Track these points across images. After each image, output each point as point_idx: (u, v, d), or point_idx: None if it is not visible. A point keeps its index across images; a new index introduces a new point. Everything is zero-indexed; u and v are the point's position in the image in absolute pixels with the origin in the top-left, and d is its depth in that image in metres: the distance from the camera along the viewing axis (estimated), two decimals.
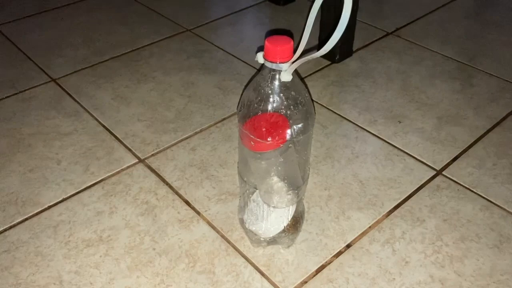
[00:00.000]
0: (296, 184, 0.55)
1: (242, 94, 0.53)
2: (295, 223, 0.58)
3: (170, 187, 0.67)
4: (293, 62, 0.46)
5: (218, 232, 0.61)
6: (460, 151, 0.73)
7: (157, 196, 0.66)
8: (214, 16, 1.10)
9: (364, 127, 0.78)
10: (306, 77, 0.90)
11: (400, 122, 0.79)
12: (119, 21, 1.08)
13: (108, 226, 0.62)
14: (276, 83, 0.47)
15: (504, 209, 0.64)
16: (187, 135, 0.77)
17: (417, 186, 0.68)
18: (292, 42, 0.46)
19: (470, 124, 0.79)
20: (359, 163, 0.71)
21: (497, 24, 1.06)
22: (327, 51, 0.41)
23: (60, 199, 0.66)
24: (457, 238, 0.60)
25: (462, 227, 0.62)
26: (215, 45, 0.99)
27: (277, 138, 0.49)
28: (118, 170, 0.70)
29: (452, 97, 0.85)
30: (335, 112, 0.81)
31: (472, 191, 0.67)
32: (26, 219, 0.63)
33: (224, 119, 0.80)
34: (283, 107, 0.48)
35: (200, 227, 0.62)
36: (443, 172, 0.70)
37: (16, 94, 0.85)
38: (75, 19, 1.09)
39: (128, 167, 0.71)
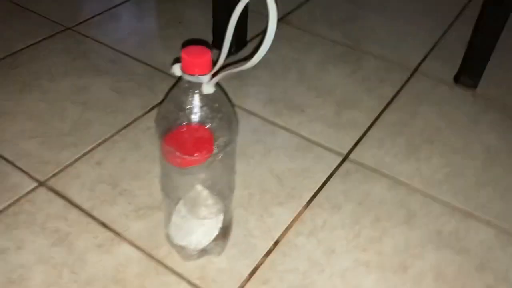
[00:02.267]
0: (223, 193, 0.54)
1: (160, 108, 0.50)
2: (225, 231, 0.57)
3: (81, 209, 0.62)
4: (214, 74, 0.44)
5: (143, 251, 0.58)
6: (361, 134, 0.78)
7: (67, 222, 0.61)
8: (96, 11, 1.02)
9: (271, 120, 0.79)
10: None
11: (303, 111, 0.81)
12: None
13: (17, 264, 0.56)
14: (197, 95, 0.45)
15: (408, 185, 0.70)
16: (89, 148, 0.71)
17: (329, 174, 0.71)
18: (210, 53, 0.44)
19: (365, 106, 0.84)
20: (273, 157, 0.72)
21: (376, 7, 1.13)
22: (254, 63, 0.40)
23: None
24: (373, 219, 0.65)
25: (375, 208, 0.66)
26: (102, 43, 0.93)
27: (204, 152, 0.47)
28: (17, 198, 0.63)
29: (345, 81, 0.89)
30: (241, 107, 0.81)
31: (378, 172, 0.72)
32: None
33: (127, 125, 0.75)
34: (207, 120, 0.47)
35: (122, 249, 0.58)
36: (350, 157, 0.74)
37: None
38: None
39: (28, 192, 0.64)
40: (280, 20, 1.05)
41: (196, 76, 0.44)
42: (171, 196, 0.53)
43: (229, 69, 0.43)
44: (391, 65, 0.94)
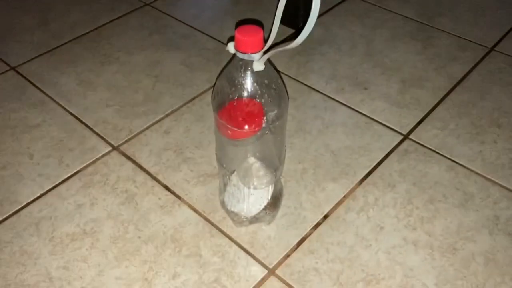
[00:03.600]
0: (273, 166, 0.57)
1: (215, 83, 0.54)
2: (275, 201, 0.60)
3: (148, 173, 0.68)
4: (264, 52, 0.46)
5: (200, 214, 0.63)
6: (424, 114, 0.77)
7: (135, 184, 0.67)
8: None
9: (332, 96, 0.80)
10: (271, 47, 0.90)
11: (366, 89, 0.81)
12: None
13: (90, 218, 0.63)
14: (249, 72, 0.48)
15: (467, 168, 0.68)
16: (158, 118, 0.77)
17: (386, 152, 0.71)
18: (262, 32, 0.46)
19: (432, 85, 0.81)
20: (330, 133, 0.74)
21: None
22: (299, 43, 0.42)
23: (38, 195, 0.66)
24: (426, 200, 0.64)
25: (430, 189, 0.66)
26: (176, 19, 0.98)
27: (253, 126, 0.50)
28: (93, 159, 0.70)
29: (414, 59, 0.87)
30: (303, 83, 0.82)
31: (437, 152, 0.70)
32: (5, 219, 0.63)
33: (194, 98, 0.80)
34: (257, 95, 0.49)
35: (182, 211, 0.63)
36: (410, 136, 0.73)
37: None
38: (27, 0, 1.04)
39: (103, 155, 0.71)
40: None
41: (248, 54, 0.46)
42: (225, 166, 0.56)
43: (276, 48, 0.45)
44: (466, 43, 0.90)
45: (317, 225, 0.62)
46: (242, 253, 0.59)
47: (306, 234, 0.61)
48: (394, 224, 0.62)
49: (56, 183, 0.67)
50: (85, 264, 0.58)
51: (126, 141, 0.73)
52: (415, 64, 0.86)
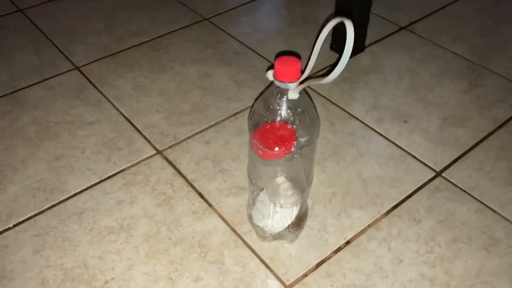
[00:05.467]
0: (301, 187, 0.60)
1: (253, 105, 0.58)
2: (299, 221, 0.63)
3: (186, 179, 0.73)
4: (300, 83, 0.50)
5: (228, 224, 0.67)
6: (461, 153, 0.77)
7: (173, 188, 0.71)
8: (231, 5, 1.12)
9: (371, 126, 0.82)
10: (317, 72, 0.93)
11: (405, 122, 0.82)
12: (139, 7, 1.12)
13: (128, 215, 0.68)
14: (284, 99, 0.51)
15: (497, 213, 0.68)
16: (202, 128, 0.81)
17: (417, 187, 0.72)
18: (299, 64, 0.49)
19: (473, 125, 0.82)
20: (364, 161, 0.76)
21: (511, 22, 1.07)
22: (331, 80, 0.45)
23: (85, 187, 0.72)
24: (450, 239, 0.65)
25: (455, 228, 0.66)
26: (231, 36, 1.03)
27: (283, 149, 0.53)
28: (138, 160, 0.76)
29: (458, 97, 0.87)
30: (343, 110, 0.85)
31: (468, 193, 0.71)
32: (54, 205, 0.69)
33: (237, 113, 0.84)
34: (289, 121, 0.52)
35: (212, 219, 0.67)
36: (443, 174, 0.74)
37: (42, 81, 0.90)
38: (96, 4, 1.12)
39: (147, 158, 0.76)
40: (404, 27, 1.05)
41: (284, 82, 0.50)
42: (254, 182, 0.60)
43: (310, 81, 0.48)
44: None
45: (338, 249, 0.64)
46: (262, 266, 0.62)
47: (326, 257, 0.63)
48: (413, 259, 0.63)
49: (102, 178, 0.73)
50: (118, 257, 0.63)
51: (170, 147, 0.78)
52: (459, 102, 0.86)
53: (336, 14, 0.95)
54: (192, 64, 0.95)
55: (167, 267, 0.62)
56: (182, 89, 0.89)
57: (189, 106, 0.86)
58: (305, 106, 0.53)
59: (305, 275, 0.61)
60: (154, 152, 0.77)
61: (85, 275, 0.61)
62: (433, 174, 0.74)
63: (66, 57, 0.97)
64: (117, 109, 0.85)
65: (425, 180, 0.73)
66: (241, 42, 1.01)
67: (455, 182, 0.72)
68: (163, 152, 0.77)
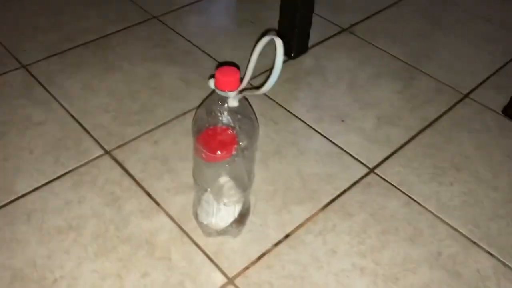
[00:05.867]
0: (243, 186, 0.64)
1: (196, 110, 0.61)
2: (242, 218, 0.67)
3: (134, 179, 0.75)
4: (240, 92, 0.54)
5: (175, 222, 0.70)
6: (392, 151, 0.84)
7: (121, 188, 0.74)
8: (181, 3, 1.14)
9: (311, 125, 0.87)
10: (264, 72, 0.97)
11: (343, 121, 0.88)
12: (87, 3, 1.12)
13: (77, 214, 0.70)
14: (225, 106, 0.55)
15: (422, 205, 0.75)
16: (150, 128, 0.84)
17: (351, 183, 0.78)
18: (238, 74, 0.53)
19: (405, 124, 0.88)
20: (303, 159, 0.81)
21: (447, 26, 1.15)
22: (264, 92, 0.49)
23: (33, 188, 0.73)
24: (379, 231, 0.71)
25: (385, 221, 0.73)
26: (180, 35, 1.05)
27: (224, 152, 0.57)
28: (86, 161, 0.77)
29: (392, 97, 0.94)
30: (286, 109, 0.90)
31: (398, 188, 0.77)
32: (1, 207, 0.70)
33: (185, 112, 0.87)
34: (230, 126, 0.56)
35: (159, 218, 0.70)
36: (375, 170, 0.80)
37: None
38: (44, 1, 1.12)
39: (95, 158, 0.78)
40: (346, 29, 1.11)
41: (225, 91, 0.53)
42: (199, 183, 0.63)
43: (246, 92, 0.53)
44: (443, 87, 0.97)
45: (278, 243, 0.69)
46: (207, 261, 0.66)
47: (266, 250, 0.68)
48: (346, 250, 0.69)
49: (51, 179, 0.74)
50: (66, 256, 0.65)
51: (118, 147, 0.80)
52: (393, 102, 0.93)
53: (281, 14, 0.99)
54: (141, 63, 0.97)
55: (116, 264, 0.65)
56: (131, 89, 0.91)
57: (137, 106, 0.88)
58: (244, 112, 0.57)
59: (247, 267, 0.66)
60: (102, 152, 0.79)
61: (34, 274, 0.63)
62: (366, 170, 0.80)
63: (12, 55, 0.96)
64: (65, 109, 0.86)
65: (359, 176, 0.79)
66: (189, 41, 1.03)
67: (386, 178, 0.79)
68: (111, 153, 0.79)
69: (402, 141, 0.85)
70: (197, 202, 0.67)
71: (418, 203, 0.75)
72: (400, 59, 1.03)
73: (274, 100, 0.91)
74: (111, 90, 0.90)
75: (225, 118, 0.56)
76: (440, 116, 0.91)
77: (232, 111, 0.56)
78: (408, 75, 0.99)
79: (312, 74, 0.98)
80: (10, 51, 0.97)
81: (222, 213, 0.65)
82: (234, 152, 0.57)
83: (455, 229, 0.72)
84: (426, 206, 0.75)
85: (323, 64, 1.01)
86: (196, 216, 0.68)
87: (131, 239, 0.68)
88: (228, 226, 0.66)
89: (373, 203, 0.75)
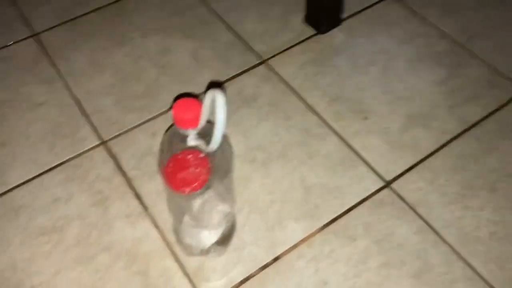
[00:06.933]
0: (223, 211, 0.58)
1: (162, 139, 0.56)
2: (225, 240, 0.62)
3: (125, 176, 0.71)
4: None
5: (160, 231, 0.66)
6: (417, 161, 0.72)
7: (110, 186, 0.70)
8: None
9: (328, 122, 0.77)
10: (285, 50, 0.86)
11: (366, 118, 0.77)
12: None
13: (62, 214, 0.68)
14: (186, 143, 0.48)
15: (439, 235, 0.65)
16: (151, 116, 0.78)
17: (361, 199, 0.69)
18: (198, 109, 0.45)
19: (438, 127, 0.76)
20: (311, 165, 0.72)
21: None
22: (213, 149, 0.41)
23: (25, 180, 0.71)
24: (382, 263, 0.63)
25: (390, 251, 0.64)
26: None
27: (193, 187, 0.50)
28: (80, 152, 0.74)
29: (431, 90, 0.81)
30: (303, 100, 0.80)
31: (413, 210, 0.68)
32: None
33: None
34: (199, 151, 0.49)
35: (144, 224, 0.67)
36: (392, 185, 0.70)
37: None
38: None
39: (90, 149, 0.74)
40: None
41: (183, 129, 0.46)
42: (174, 213, 0.58)
43: (199, 143, 0.45)
44: (496, 79, 0.81)
45: (265, 266, 0.63)
46: (185, 280, 0.62)
47: (251, 274, 0.63)
48: (339, 283, 0.62)
49: (42, 170, 0.72)
50: (46, 261, 0.64)
51: (115, 137, 0.76)
52: (430, 97, 0.80)
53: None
54: (154, 35, 0.89)
55: (93, 275, 0.63)
56: (138, 67, 0.85)
57: (141, 88, 0.82)
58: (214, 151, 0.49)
59: None
60: (99, 142, 0.75)
61: (13, 279, 0.62)
62: (381, 184, 0.70)
63: (25, 21, 0.92)
64: (69, 89, 0.82)
65: (372, 191, 0.70)
66: (210, 7, 0.93)
67: (402, 196, 0.69)
68: (108, 143, 0.75)
69: (431, 149, 0.74)
70: (176, 222, 0.62)
71: (435, 231, 0.66)
72: (450, 37, 0.87)
73: (290, 86, 0.81)
74: (118, 67, 0.85)
75: (193, 148, 0.49)
76: (485, 118, 0.77)
77: (200, 141, 0.48)
78: (456, 60, 0.84)
79: (341, 55, 0.86)
80: (24, 16, 0.93)
81: (201, 236, 0.60)
82: (205, 185, 0.51)
83: (474, 269, 0.62)
84: (444, 236, 0.65)
85: (356, 41, 0.88)
86: (176, 233, 0.64)
87: (111, 247, 0.65)
88: (210, 246, 0.61)
89: (381, 226, 0.66)
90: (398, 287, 0.61)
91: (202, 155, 0.49)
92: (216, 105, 0.39)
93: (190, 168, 0.50)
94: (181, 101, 0.46)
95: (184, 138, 0.47)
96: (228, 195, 0.57)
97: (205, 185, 0.51)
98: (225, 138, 0.51)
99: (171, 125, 0.50)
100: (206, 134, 0.48)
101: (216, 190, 0.54)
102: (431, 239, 0.65)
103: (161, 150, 0.51)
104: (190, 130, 0.46)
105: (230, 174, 0.53)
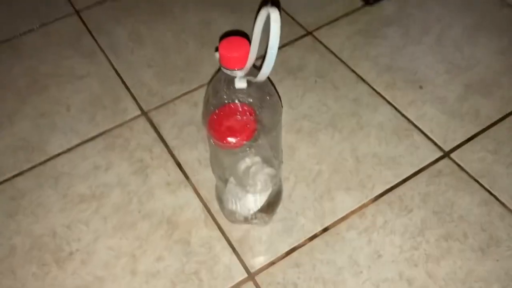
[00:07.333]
0: (270, 173, 0.54)
1: (206, 90, 0.52)
2: (270, 207, 0.58)
3: (166, 145, 0.69)
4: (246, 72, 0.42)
5: (201, 200, 0.63)
6: (479, 130, 0.67)
7: (151, 155, 0.68)
8: None
9: (380, 91, 0.72)
10: (332, 21, 0.82)
11: (421, 88, 0.72)
12: None
13: (102, 182, 0.66)
14: (232, 87, 0.44)
15: (506, 207, 0.59)
16: (192, 88, 0.76)
17: (417, 169, 0.64)
18: (247, 48, 0.42)
19: (502, 95, 0.70)
20: (362, 135, 0.68)
21: None
22: (262, 80, 0.37)
23: (65, 149, 0.70)
24: (441, 235, 0.58)
25: (451, 222, 0.59)
26: None
27: (239, 138, 0.47)
28: (121, 122, 0.72)
29: (491, 58, 0.75)
30: (352, 70, 0.75)
31: (476, 180, 0.62)
32: (33, 167, 0.68)
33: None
34: (247, 106, 0.46)
35: (185, 193, 0.64)
36: (451, 155, 0.65)
37: (40, 27, 0.87)
38: None
39: (131, 119, 0.72)
40: None
41: (230, 70, 0.42)
42: (217, 173, 0.54)
43: (248, 77, 0.41)
44: None
45: (313, 237, 0.59)
46: (229, 250, 0.58)
47: (298, 244, 0.58)
48: (394, 255, 0.57)
49: (83, 140, 0.70)
50: (85, 227, 0.62)
51: (156, 108, 0.74)
52: (491, 65, 0.74)
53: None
54: (195, 9, 0.87)
55: (132, 242, 0.60)
56: (179, 40, 0.83)
57: (183, 61, 0.79)
58: (263, 92, 0.45)
59: (273, 263, 0.57)
60: (139, 113, 0.73)
61: (52, 245, 0.60)
62: (439, 154, 0.65)
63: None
64: (110, 62, 0.80)
65: (429, 161, 0.64)
66: None
67: (463, 166, 0.63)
68: (149, 113, 0.73)
69: (495, 118, 0.68)
70: (220, 185, 0.58)
71: (501, 203, 0.60)
72: None
73: (338, 57, 0.77)
74: (159, 40, 0.83)
75: (236, 96, 0.45)
76: None
77: (249, 88, 0.45)
78: None
79: (392, 25, 0.81)
80: None
81: (246, 201, 0.56)
82: (253, 137, 0.47)
83: None
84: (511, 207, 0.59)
85: (409, 12, 0.83)
86: (219, 200, 0.60)
87: (152, 215, 0.62)
88: (256, 213, 0.58)
89: (440, 197, 0.61)
90: (461, 260, 0.56)
91: (247, 109, 0.46)
92: (271, 22, 0.36)
93: (237, 118, 0.47)
94: (228, 39, 0.42)
95: (230, 82, 0.44)
96: (274, 156, 0.53)
97: (252, 138, 0.47)
98: (271, 86, 0.47)
99: (216, 72, 0.46)
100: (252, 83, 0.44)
101: (263, 148, 0.50)
102: (497, 211, 0.59)
103: (206, 100, 0.48)
104: (237, 71, 0.42)
105: (278, 131, 0.49)
